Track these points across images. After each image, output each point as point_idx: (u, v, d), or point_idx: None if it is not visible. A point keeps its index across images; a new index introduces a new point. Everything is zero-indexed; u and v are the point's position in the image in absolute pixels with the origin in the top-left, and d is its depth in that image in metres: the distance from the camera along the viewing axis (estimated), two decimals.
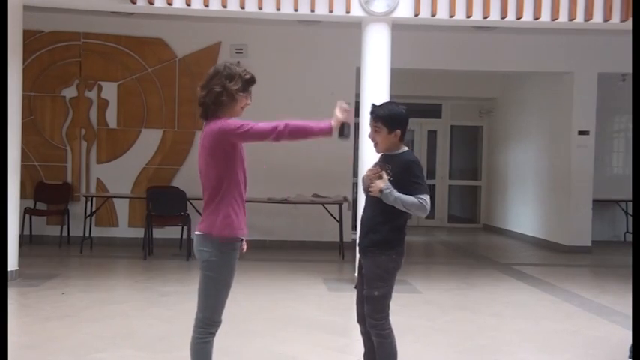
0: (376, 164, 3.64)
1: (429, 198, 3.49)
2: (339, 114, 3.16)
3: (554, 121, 11.23)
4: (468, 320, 5.91)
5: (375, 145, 3.62)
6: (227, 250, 3.20)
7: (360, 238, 3.68)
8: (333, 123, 3.15)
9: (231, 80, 3.17)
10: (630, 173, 11.26)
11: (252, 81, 3.25)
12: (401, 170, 3.50)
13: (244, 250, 3.40)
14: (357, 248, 3.72)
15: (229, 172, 3.17)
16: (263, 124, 3.09)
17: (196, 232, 3.27)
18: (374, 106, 3.64)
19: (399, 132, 3.54)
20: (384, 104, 3.67)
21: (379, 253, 3.53)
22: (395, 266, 3.56)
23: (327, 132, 3.14)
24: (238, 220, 3.21)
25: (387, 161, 3.57)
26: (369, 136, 3.62)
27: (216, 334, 3.31)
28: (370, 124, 3.59)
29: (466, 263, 9.68)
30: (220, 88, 3.16)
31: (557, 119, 11.10)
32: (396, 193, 3.44)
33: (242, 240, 3.28)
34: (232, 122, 3.13)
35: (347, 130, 3.18)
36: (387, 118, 3.54)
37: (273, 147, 9.07)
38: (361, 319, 3.66)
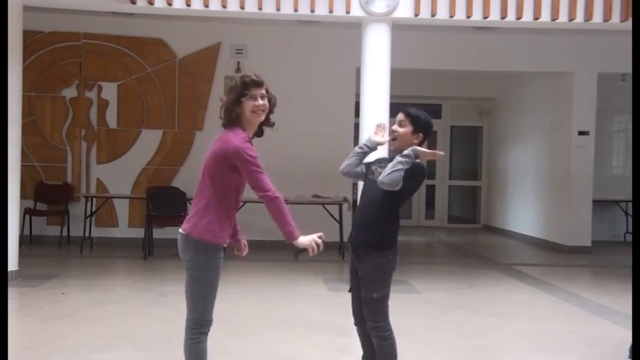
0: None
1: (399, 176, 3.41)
2: (310, 242, 3.13)
3: (554, 122, 11.23)
4: (468, 320, 5.91)
5: (393, 140, 3.59)
6: (209, 250, 3.21)
7: (354, 237, 3.60)
8: (300, 240, 3.13)
9: (229, 93, 3.24)
10: (630, 173, 11.26)
11: (252, 83, 3.21)
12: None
13: (245, 251, 3.42)
14: (351, 249, 3.64)
15: (227, 182, 3.19)
16: (265, 179, 3.14)
17: (180, 231, 3.28)
18: (407, 107, 3.68)
19: (421, 136, 3.58)
20: (417, 109, 3.70)
21: (377, 255, 3.50)
22: (392, 267, 3.56)
23: (290, 239, 3.14)
24: (221, 229, 3.21)
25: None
26: (391, 130, 3.59)
27: (215, 333, 3.31)
28: (397, 120, 3.59)
29: (466, 263, 9.68)
30: (222, 101, 3.25)
31: (557, 119, 11.10)
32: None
33: (224, 246, 3.27)
34: (251, 153, 3.11)
35: (301, 257, 3.25)
36: (416, 116, 3.58)
37: (272, 147, 9.12)
38: (359, 321, 3.63)
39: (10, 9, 6.47)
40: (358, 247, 3.57)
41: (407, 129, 3.55)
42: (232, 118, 3.20)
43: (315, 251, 3.12)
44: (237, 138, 3.14)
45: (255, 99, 3.20)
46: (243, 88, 3.20)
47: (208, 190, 3.19)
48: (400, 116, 3.62)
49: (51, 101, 10.05)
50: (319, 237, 3.15)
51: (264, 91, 3.24)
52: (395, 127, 3.60)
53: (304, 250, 3.14)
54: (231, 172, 3.16)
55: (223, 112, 3.24)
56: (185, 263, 3.26)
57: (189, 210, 8.81)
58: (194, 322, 3.23)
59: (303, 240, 3.13)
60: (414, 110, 3.62)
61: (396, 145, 3.59)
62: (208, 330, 3.27)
